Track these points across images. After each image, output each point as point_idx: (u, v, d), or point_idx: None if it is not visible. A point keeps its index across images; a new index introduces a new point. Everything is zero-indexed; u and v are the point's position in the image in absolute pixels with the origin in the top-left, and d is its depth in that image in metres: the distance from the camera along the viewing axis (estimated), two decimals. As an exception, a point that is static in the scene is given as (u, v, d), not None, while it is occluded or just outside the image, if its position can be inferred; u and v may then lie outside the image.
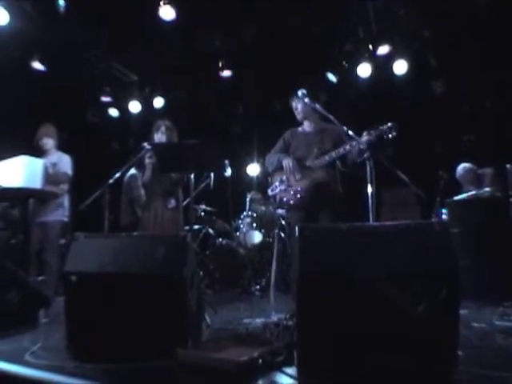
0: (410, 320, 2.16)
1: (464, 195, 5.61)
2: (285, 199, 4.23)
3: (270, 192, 4.42)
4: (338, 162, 4.25)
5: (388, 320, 2.20)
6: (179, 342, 2.64)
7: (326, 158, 4.09)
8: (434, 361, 2.19)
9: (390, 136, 3.79)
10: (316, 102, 4.12)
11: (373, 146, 3.75)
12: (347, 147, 3.97)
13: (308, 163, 4.18)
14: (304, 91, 4.11)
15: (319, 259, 2.22)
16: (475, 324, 3.39)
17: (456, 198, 5.52)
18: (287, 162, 4.20)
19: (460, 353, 2.30)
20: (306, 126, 4.45)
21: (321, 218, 4.09)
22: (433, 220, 2.88)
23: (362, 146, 3.81)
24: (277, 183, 4.32)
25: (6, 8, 5.13)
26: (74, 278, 2.85)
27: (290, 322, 2.94)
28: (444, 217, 6.01)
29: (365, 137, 3.83)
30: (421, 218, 6.93)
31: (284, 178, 4.26)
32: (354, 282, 2.16)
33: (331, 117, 3.95)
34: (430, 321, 2.18)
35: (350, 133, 3.90)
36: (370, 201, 3.42)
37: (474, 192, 5.57)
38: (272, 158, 4.45)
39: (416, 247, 2.22)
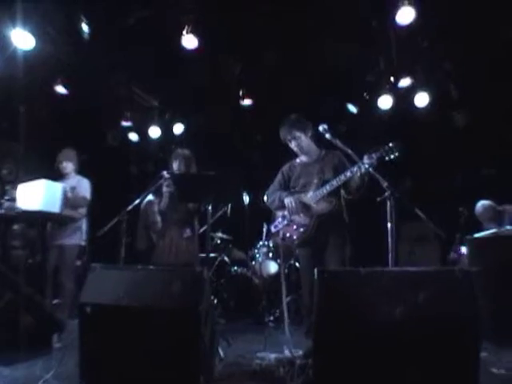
0: (427, 370, 2.10)
1: (484, 233, 5.51)
2: (288, 234, 4.15)
3: (273, 229, 4.33)
4: (342, 190, 4.11)
5: (402, 367, 2.15)
6: (192, 378, 2.60)
7: (327, 187, 3.95)
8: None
9: (392, 157, 3.70)
10: (336, 136, 3.98)
11: (374, 167, 3.68)
12: (348, 174, 3.84)
13: (309, 196, 4.06)
14: (325, 126, 4.00)
15: (338, 304, 2.18)
16: (494, 370, 3.30)
17: (476, 235, 5.43)
18: (289, 201, 4.09)
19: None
20: (304, 158, 4.34)
21: (328, 251, 3.98)
22: (455, 267, 2.79)
23: (363, 171, 3.72)
24: (280, 219, 4.25)
25: (31, 32, 5.22)
26: (89, 309, 2.84)
27: (305, 361, 2.88)
28: (464, 253, 5.94)
29: (366, 160, 3.73)
30: (440, 254, 6.86)
31: (286, 213, 4.17)
32: (373, 329, 2.11)
33: (349, 151, 3.86)
34: (448, 369, 2.12)
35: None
36: (389, 239, 3.35)
37: (494, 230, 5.47)
38: (273, 196, 4.33)
39: (436, 295, 2.17)
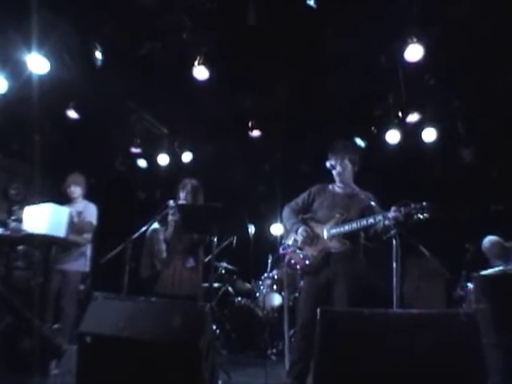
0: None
1: (491, 270, 5.46)
2: (292, 261, 4.05)
3: (281, 250, 4.23)
4: (362, 234, 3.98)
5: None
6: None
7: (346, 227, 3.82)
8: None
9: (422, 217, 3.49)
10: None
11: (399, 224, 3.49)
12: (371, 220, 3.70)
13: (325, 229, 3.94)
14: (333, 162, 4.02)
15: (339, 346, 2.15)
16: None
17: (483, 272, 5.37)
18: (302, 231, 3.98)
19: None
20: (337, 186, 4.18)
21: (335, 291, 3.82)
22: (459, 310, 2.74)
23: (387, 222, 3.56)
24: (289, 242, 4.13)
25: (46, 57, 5.31)
26: (88, 338, 2.82)
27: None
28: (470, 290, 5.87)
29: (392, 213, 3.57)
30: (446, 290, 6.78)
31: (298, 238, 4.05)
32: (375, 373, 2.08)
33: (359, 190, 3.87)
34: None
35: (373, 204, 3.73)
36: (394, 279, 3.31)
37: (501, 267, 5.42)
38: (290, 219, 4.18)
39: (440, 339, 2.13)
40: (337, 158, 4.09)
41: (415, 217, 3.51)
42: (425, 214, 3.49)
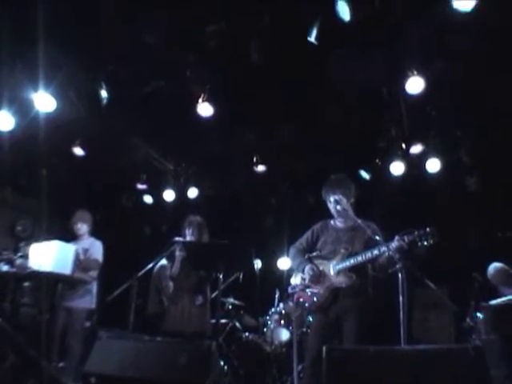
0: None
1: (500, 300, 5.39)
2: (301, 300, 4.06)
3: (289, 290, 4.23)
4: (369, 265, 3.95)
5: None
6: None
7: (352, 261, 3.81)
8: None
9: (426, 243, 3.42)
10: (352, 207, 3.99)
11: (404, 253, 3.44)
12: (375, 252, 3.67)
13: (331, 265, 3.93)
14: (337, 197, 4.00)
15: (346, 384, 2.12)
16: None
17: (492, 302, 5.31)
18: (309, 269, 3.99)
19: None
20: (338, 221, 4.18)
21: (345, 327, 3.80)
22: (467, 345, 2.67)
23: (391, 253, 3.52)
24: (298, 281, 4.15)
25: (53, 95, 5.40)
26: (93, 379, 2.80)
27: None
28: (479, 320, 5.79)
29: (396, 242, 3.54)
30: (455, 320, 6.69)
31: (305, 277, 4.06)
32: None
33: (361, 222, 3.85)
34: None
35: (378, 238, 3.69)
36: (401, 313, 3.26)
37: (510, 296, 5.35)
38: (296, 259, 4.22)
39: (449, 374, 2.10)
40: (328, 193, 4.12)
41: (419, 244, 3.46)
42: (430, 240, 3.43)
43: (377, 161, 7.12)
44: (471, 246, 7.63)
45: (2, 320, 3.28)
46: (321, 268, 4.00)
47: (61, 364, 5.23)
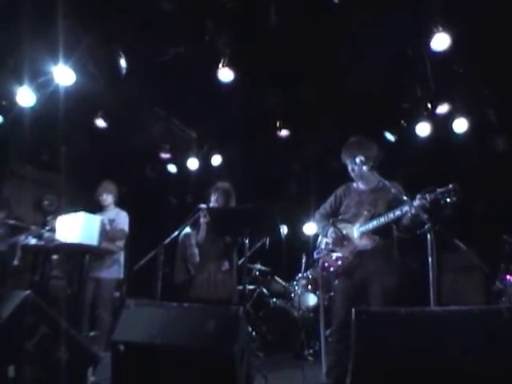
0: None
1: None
2: (326, 264, 4.04)
3: (315, 255, 4.22)
4: (393, 227, 3.88)
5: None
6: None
7: (374, 223, 3.76)
8: None
9: (449, 200, 3.35)
10: (374, 169, 3.87)
11: (430, 213, 3.34)
12: (398, 212, 3.60)
13: (354, 229, 3.89)
14: (362, 158, 3.89)
15: (376, 348, 2.08)
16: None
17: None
18: (332, 232, 3.96)
19: None
20: (361, 184, 4.10)
21: (370, 290, 3.76)
22: (501, 306, 2.59)
23: (413, 212, 3.45)
24: (322, 246, 4.14)
25: (72, 69, 5.37)
26: (121, 347, 2.82)
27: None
28: (510, 282, 5.70)
29: (417, 201, 3.46)
30: (484, 283, 6.61)
31: (329, 240, 4.04)
32: (413, 373, 2.01)
33: (387, 182, 3.75)
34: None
35: (403, 196, 3.59)
36: (430, 274, 3.20)
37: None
38: (320, 223, 4.21)
39: (481, 337, 2.04)
40: (349, 157, 4.02)
41: (442, 202, 3.39)
42: (452, 198, 3.35)
43: (402, 122, 6.97)
44: (500, 208, 7.48)
45: (33, 292, 3.30)
46: (344, 232, 3.97)
47: (91, 334, 5.32)
